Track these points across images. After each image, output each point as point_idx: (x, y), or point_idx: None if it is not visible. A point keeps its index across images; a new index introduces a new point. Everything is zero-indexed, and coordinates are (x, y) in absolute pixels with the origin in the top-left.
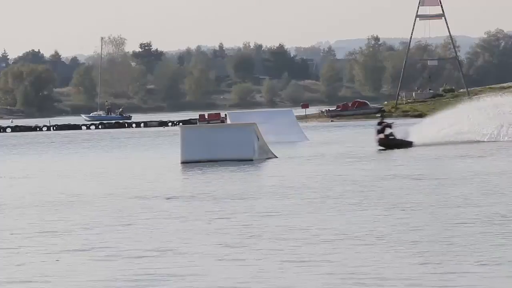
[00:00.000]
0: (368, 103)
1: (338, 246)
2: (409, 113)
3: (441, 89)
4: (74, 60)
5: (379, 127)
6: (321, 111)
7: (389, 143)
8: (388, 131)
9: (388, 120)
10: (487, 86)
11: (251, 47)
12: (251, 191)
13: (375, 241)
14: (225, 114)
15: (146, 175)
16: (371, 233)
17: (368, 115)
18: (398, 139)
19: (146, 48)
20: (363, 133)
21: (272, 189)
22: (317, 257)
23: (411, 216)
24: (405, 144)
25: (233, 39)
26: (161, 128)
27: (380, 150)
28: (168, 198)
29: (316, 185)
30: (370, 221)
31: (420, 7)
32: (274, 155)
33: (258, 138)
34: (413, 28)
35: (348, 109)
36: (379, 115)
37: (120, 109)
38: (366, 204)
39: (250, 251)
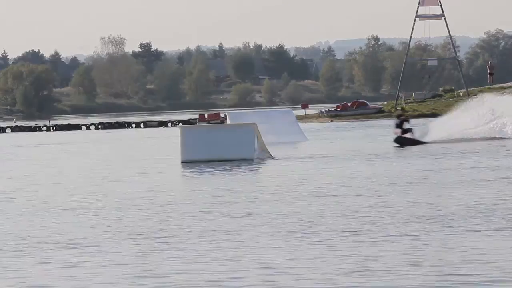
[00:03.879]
0: (368, 103)
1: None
2: (409, 113)
3: (440, 89)
4: (74, 60)
5: (397, 121)
6: (321, 111)
7: (404, 142)
8: (406, 125)
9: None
10: (487, 86)
11: (251, 47)
12: (246, 191)
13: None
14: (225, 114)
15: (145, 175)
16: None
17: (367, 115)
18: (412, 140)
19: (146, 48)
20: (362, 133)
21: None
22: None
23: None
24: (419, 144)
25: (233, 39)
26: (160, 128)
27: (396, 147)
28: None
29: (314, 185)
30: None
31: (419, 7)
32: (271, 154)
33: (257, 138)
34: (412, 28)
35: (348, 109)
36: (399, 109)
37: None
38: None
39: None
